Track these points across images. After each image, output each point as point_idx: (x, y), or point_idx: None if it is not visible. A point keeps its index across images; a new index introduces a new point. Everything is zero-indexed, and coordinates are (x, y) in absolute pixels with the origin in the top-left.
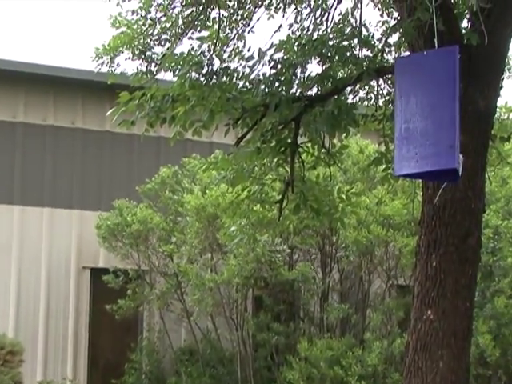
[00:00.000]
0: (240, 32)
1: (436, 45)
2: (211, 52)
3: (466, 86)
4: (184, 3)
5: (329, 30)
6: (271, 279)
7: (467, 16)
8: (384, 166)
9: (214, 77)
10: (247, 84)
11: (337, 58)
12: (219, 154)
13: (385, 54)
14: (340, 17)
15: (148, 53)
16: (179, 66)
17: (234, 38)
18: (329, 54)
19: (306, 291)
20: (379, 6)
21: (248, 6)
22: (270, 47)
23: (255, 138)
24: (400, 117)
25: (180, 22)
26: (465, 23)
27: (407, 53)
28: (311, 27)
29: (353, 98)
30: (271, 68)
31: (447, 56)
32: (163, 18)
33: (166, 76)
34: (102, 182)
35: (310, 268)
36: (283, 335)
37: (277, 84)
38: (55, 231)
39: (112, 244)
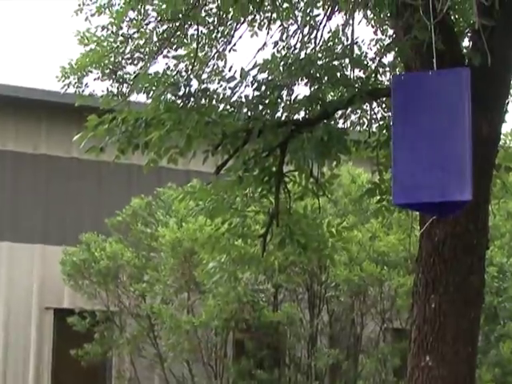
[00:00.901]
0: (220, 50)
1: (435, 65)
2: (189, 72)
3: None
4: (159, 18)
5: (317, 48)
6: (254, 321)
7: (468, 34)
8: (378, 198)
9: (192, 99)
10: (228, 107)
11: (326, 78)
12: (197, 183)
13: (378, 75)
14: (330, 34)
15: (119, 72)
16: (153, 87)
17: (213, 56)
18: (317, 75)
19: (292, 335)
20: (372, 22)
21: (229, 23)
22: (254, 67)
23: (237, 166)
24: (400, 141)
25: (155, 38)
26: (466, 42)
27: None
28: (298, 45)
29: (344, 123)
30: (254, 90)
31: (457, 78)
32: (136, 35)
33: (139, 98)
34: (67, 214)
35: (297, 309)
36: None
37: (260, 107)
38: (15, 268)
39: (78, 282)
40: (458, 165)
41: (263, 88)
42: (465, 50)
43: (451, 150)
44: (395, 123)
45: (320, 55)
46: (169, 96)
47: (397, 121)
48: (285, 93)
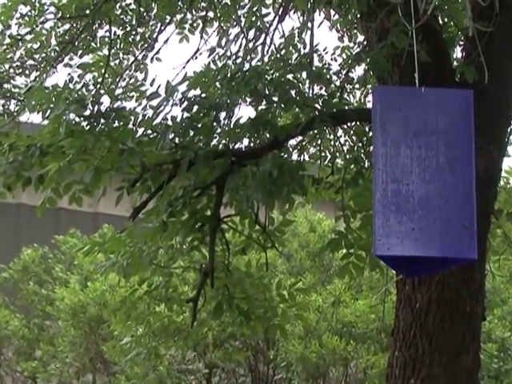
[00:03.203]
0: (140, 58)
1: (417, 81)
2: (98, 86)
3: None
4: (60, 15)
5: (266, 58)
6: None
7: (460, 42)
8: (344, 252)
9: (102, 120)
10: (149, 132)
11: (277, 97)
12: (108, 230)
13: (345, 93)
14: (282, 40)
15: (6, 85)
16: (51, 105)
17: (130, 66)
18: (266, 92)
19: None
20: (338, 26)
21: (151, 23)
22: (183, 81)
23: (160, 208)
24: (385, 172)
25: (53, 41)
26: (457, 52)
27: None
28: (241, 54)
29: (299, 155)
30: (184, 110)
31: (459, 100)
32: (29, 36)
33: (32, 118)
34: None
35: None
36: None
37: (192, 133)
38: None
39: None
40: (460, 210)
41: (195, 108)
42: (455, 63)
43: (452, 188)
44: (377, 150)
45: (269, 67)
46: (71, 116)
47: (379, 147)
48: (223, 114)
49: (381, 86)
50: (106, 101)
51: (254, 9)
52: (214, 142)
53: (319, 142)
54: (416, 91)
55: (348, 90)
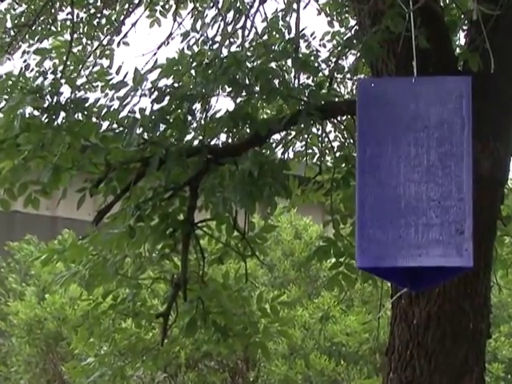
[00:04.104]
0: (105, 43)
1: (415, 70)
2: (58, 74)
3: None
4: None
5: (247, 44)
6: None
7: (464, 27)
8: (333, 261)
9: (62, 113)
10: (115, 126)
11: (258, 87)
12: (68, 236)
13: (335, 84)
14: (265, 24)
15: None
16: (4, 96)
17: (95, 52)
18: (246, 82)
19: None
20: (327, 8)
21: (118, 4)
22: (153, 68)
23: (126, 212)
24: (369, 174)
25: (8, 24)
26: (460, 38)
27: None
28: (219, 39)
29: (283, 152)
30: (154, 101)
31: (455, 89)
32: None
33: None
34: None
35: None
36: None
37: (163, 127)
38: None
39: None
40: (453, 213)
41: (167, 99)
42: (458, 50)
43: (443, 190)
44: (361, 150)
45: (250, 53)
46: (28, 108)
47: (363, 147)
48: (198, 107)
49: (366, 78)
50: (66, 91)
51: None
52: (188, 137)
53: (306, 137)
54: (406, 82)
55: (338, 80)
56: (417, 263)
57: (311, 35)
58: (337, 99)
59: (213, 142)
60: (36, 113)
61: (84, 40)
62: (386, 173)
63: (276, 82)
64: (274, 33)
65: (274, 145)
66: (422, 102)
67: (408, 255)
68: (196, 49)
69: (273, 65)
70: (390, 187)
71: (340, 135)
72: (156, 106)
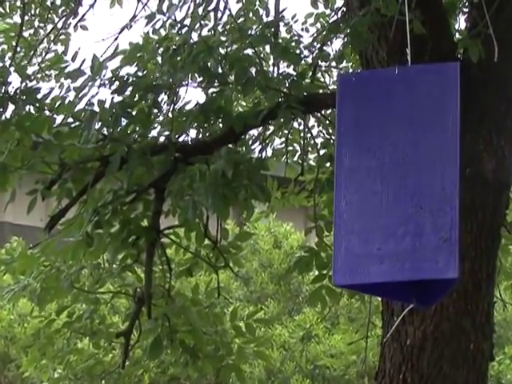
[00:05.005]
0: (60, 27)
1: (409, 58)
2: (6, 61)
3: (461, 131)
4: None
5: (220, 27)
6: None
7: (464, 10)
8: (316, 274)
9: (11, 106)
10: (71, 120)
11: (233, 76)
12: (17, 244)
13: (319, 73)
14: (240, 5)
15: None
16: None
17: (48, 36)
18: (219, 71)
19: None
20: None
21: None
22: (114, 55)
23: (83, 217)
24: (347, 180)
25: None
26: (460, 23)
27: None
28: (188, 22)
29: (261, 150)
30: (115, 92)
31: (440, 78)
32: None
33: None
34: None
35: None
36: None
37: (124, 121)
38: None
39: None
40: (438, 219)
41: (129, 90)
42: (458, 35)
43: (426, 193)
44: (339, 153)
45: (224, 38)
46: None
47: (341, 149)
48: (165, 98)
49: (346, 72)
50: (15, 80)
51: None
52: (153, 133)
53: (286, 133)
54: (389, 73)
55: (322, 69)
56: (396, 278)
57: (292, 18)
58: (321, 91)
59: (181, 139)
60: None
61: (36, 23)
62: (366, 177)
63: (253, 70)
64: (251, 15)
65: (250, 142)
66: (406, 94)
67: (387, 269)
68: (163, 33)
69: (249, 51)
70: (370, 193)
71: (324, 131)
72: (117, 98)
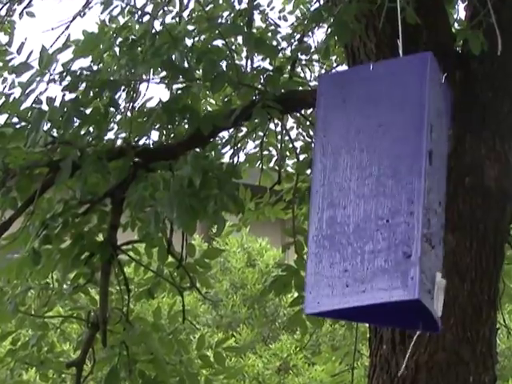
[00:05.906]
0: (3, 16)
1: (400, 51)
2: None
3: (460, 134)
4: None
5: (186, 15)
6: None
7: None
8: (295, 295)
9: None
10: (16, 120)
11: (201, 71)
12: None
13: (298, 67)
14: None
15: None
16: None
17: None
18: (185, 65)
19: None
20: None
21: None
22: (65, 46)
23: (30, 230)
24: (322, 195)
25: None
26: (459, 12)
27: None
28: (150, 9)
29: (232, 155)
30: (66, 89)
31: (414, 70)
32: None
33: None
34: None
35: None
36: None
37: (77, 122)
38: None
39: None
40: (400, 232)
41: (82, 86)
42: (457, 26)
43: (392, 205)
44: (316, 164)
45: (190, 28)
46: None
47: (319, 159)
48: (123, 96)
49: (326, 73)
50: None
51: None
52: (110, 135)
53: (261, 136)
54: (364, 70)
55: (303, 63)
56: (359, 302)
57: (268, 5)
58: (300, 87)
59: (141, 142)
60: None
61: None
62: (338, 190)
63: (223, 64)
64: (221, 1)
65: (220, 145)
66: (380, 92)
67: (353, 292)
68: (121, 21)
69: (219, 43)
70: (341, 208)
71: (304, 133)
72: (69, 96)
